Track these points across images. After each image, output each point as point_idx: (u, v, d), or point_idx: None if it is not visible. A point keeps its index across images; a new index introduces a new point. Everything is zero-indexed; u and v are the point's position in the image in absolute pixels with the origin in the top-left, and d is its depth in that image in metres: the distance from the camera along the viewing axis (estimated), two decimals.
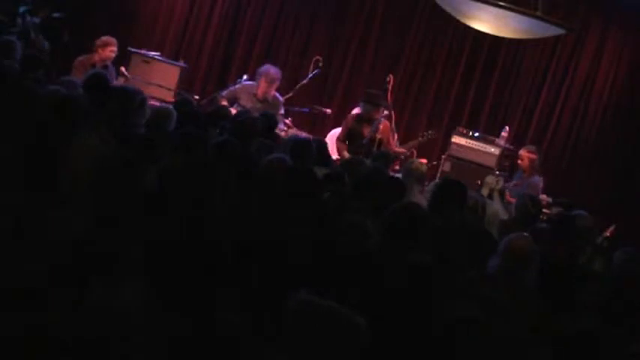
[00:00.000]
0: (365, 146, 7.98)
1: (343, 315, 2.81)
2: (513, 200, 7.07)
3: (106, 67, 7.97)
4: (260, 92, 8.24)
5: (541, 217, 6.89)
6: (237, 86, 8.37)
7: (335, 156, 7.91)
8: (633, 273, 4.96)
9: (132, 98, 5.23)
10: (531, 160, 8.00)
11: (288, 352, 2.64)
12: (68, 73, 7.78)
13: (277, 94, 8.39)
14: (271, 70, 8.36)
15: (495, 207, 6.71)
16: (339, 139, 8.34)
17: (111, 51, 8.03)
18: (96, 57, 7.97)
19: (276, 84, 8.34)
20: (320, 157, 6.10)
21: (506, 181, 7.99)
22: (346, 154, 7.98)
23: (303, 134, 8.03)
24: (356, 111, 8.34)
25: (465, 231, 4.61)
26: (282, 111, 8.34)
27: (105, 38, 8.05)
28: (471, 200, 5.54)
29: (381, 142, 8.05)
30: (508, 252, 4.26)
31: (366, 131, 8.07)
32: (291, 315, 2.83)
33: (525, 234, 4.68)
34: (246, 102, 8.09)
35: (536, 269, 4.28)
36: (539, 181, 7.99)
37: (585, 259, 5.70)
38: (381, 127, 8.09)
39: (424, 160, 8.16)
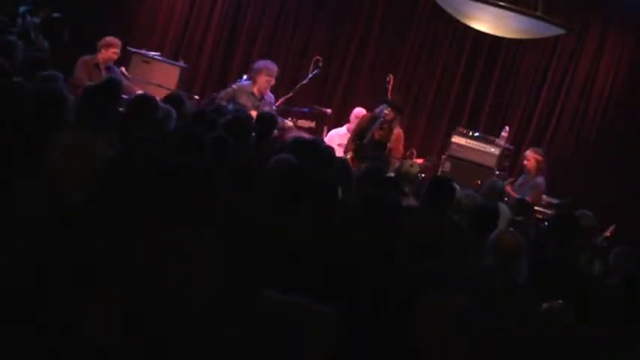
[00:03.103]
0: (367, 146, 7.98)
1: (314, 309, 2.83)
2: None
3: (109, 68, 7.96)
4: (259, 88, 8.21)
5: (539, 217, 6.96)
6: (233, 87, 8.37)
7: (341, 154, 7.97)
8: (630, 272, 4.97)
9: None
10: (538, 162, 7.99)
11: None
12: (69, 72, 7.78)
13: (269, 92, 8.40)
14: (270, 64, 8.37)
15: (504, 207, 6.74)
16: (350, 139, 8.33)
17: (113, 52, 8.01)
18: (99, 57, 7.97)
19: (274, 79, 8.35)
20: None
21: (505, 180, 8.00)
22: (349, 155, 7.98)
23: (304, 134, 8.02)
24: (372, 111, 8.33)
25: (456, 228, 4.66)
26: (273, 108, 8.36)
27: (108, 39, 8.04)
28: (463, 199, 5.59)
29: (390, 150, 8.01)
30: (497, 248, 4.33)
31: (378, 133, 8.05)
32: (261, 316, 2.85)
33: (510, 229, 4.73)
34: (246, 101, 8.09)
35: (526, 262, 4.34)
36: (542, 182, 7.99)
37: (585, 260, 5.70)
38: (393, 137, 8.06)
39: (422, 160, 8.20)
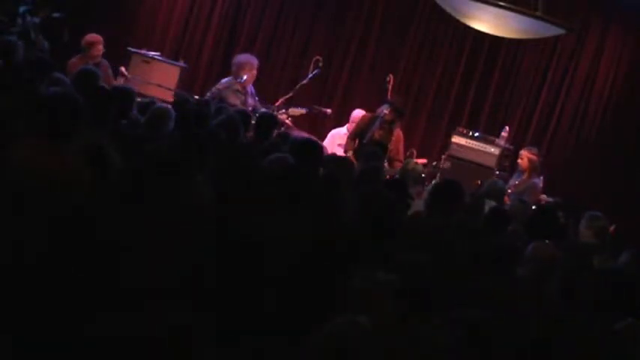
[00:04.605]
0: (367, 147, 7.97)
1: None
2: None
3: (97, 64, 7.93)
4: (245, 83, 8.30)
5: None
6: (218, 87, 8.40)
7: (341, 153, 7.97)
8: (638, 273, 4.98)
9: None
10: (531, 161, 7.96)
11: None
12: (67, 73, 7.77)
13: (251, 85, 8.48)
14: (251, 58, 8.56)
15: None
16: (349, 137, 8.33)
17: (97, 49, 8.00)
18: (87, 57, 7.96)
19: (256, 71, 8.45)
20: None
21: (505, 180, 7.99)
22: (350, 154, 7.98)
23: (303, 134, 8.02)
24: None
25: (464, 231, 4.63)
26: (256, 99, 8.47)
27: (89, 38, 8.01)
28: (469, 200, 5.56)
29: (390, 152, 7.99)
30: (533, 259, 4.32)
31: (378, 133, 8.05)
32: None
33: (546, 241, 4.72)
34: (234, 99, 8.13)
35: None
36: (539, 182, 7.98)
37: (599, 261, 5.68)
38: (393, 138, 8.05)
39: (424, 160, 8.20)
